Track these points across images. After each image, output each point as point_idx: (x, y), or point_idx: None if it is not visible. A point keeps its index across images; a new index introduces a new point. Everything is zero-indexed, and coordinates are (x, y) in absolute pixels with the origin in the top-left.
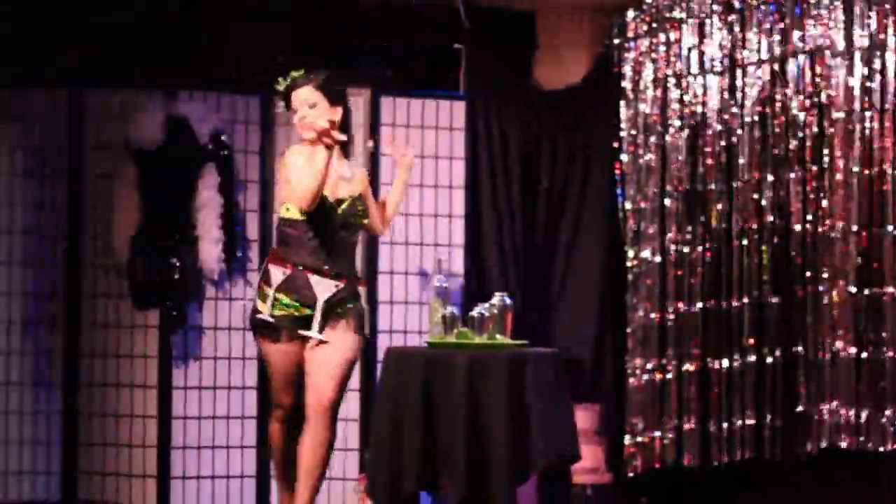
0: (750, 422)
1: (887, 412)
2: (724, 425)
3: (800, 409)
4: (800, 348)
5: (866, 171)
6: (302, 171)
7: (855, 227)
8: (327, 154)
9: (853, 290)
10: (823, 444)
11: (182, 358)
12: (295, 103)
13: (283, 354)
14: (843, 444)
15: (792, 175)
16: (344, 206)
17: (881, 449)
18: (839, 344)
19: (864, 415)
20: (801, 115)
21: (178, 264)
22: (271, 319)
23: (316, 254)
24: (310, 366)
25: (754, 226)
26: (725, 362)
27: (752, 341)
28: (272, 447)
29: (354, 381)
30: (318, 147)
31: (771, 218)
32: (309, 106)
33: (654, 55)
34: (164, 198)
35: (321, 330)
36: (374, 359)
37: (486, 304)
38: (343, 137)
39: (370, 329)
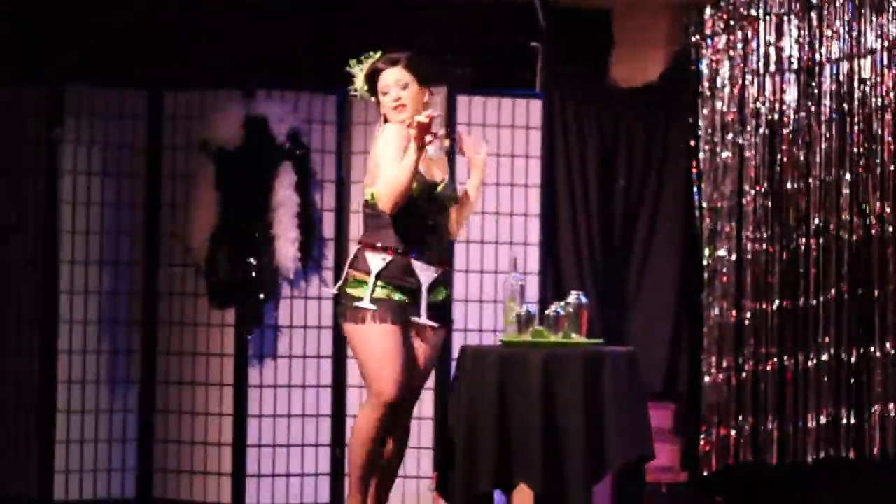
0: (825, 420)
1: None
2: (800, 424)
3: (875, 408)
4: (875, 348)
5: None
6: (394, 165)
7: None
8: (419, 153)
9: None
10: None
11: (258, 356)
12: (382, 86)
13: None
14: None
15: (869, 174)
16: (440, 187)
17: None
18: None
19: None
20: (879, 113)
21: (254, 263)
22: (373, 307)
23: (416, 238)
24: (415, 355)
25: (831, 224)
26: (801, 361)
27: (827, 340)
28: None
29: (429, 379)
30: (408, 133)
31: (848, 216)
32: (401, 87)
33: (731, 52)
34: (241, 197)
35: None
36: (448, 357)
37: (562, 303)
38: (443, 131)
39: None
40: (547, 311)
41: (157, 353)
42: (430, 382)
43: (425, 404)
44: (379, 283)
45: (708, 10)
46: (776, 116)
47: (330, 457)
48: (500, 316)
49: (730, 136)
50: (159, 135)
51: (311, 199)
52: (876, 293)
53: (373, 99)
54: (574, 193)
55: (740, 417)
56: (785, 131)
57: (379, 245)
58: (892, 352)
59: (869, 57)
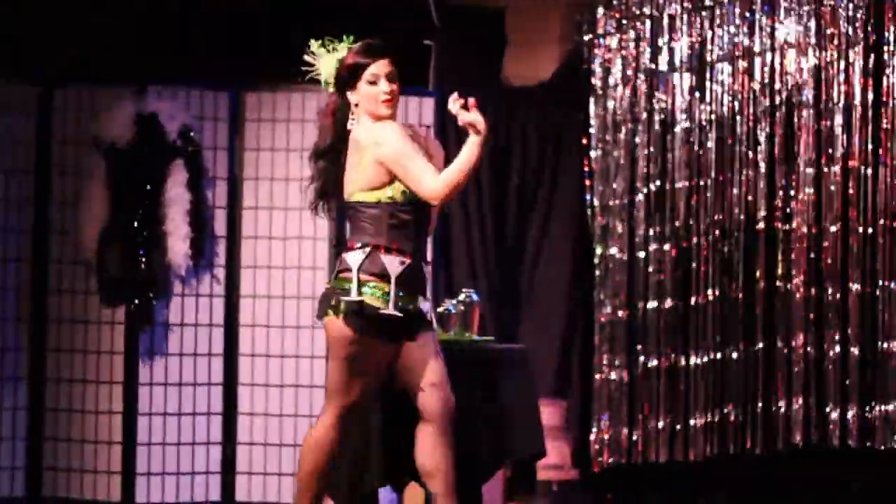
0: (715, 419)
1: (851, 410)
2: (690, 422)
3: (765, 406)
4: (761, 345)
5: (835, 169)
6: (418, 160)
7: (822, 225)
8: (480, 146)
9: (818, 287)
10: (789, 441)
11: (148, 354)
12: (369, 76)
13: (386, 353)
14: (810, 441)
15: (759, 172)
16: None
17: (847, 445)
18: (802, 341)
19: (828, 412)
20: (769, 113)
21: (146, 260)
22: (400, 315)
23: (421, 240)
24: (420, 366)
25: (722, 223)
26: (692, 359)
27: (718, 338)
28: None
29: (320, 376)
30: (393, 122)
31: (738, 215)
32: (391, 80)
33: (623, 52)
34: (132, 194)
35: None
36: None
37: (454, 301)
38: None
39: None
40: (439, 309)
41: (47, 350)
42: (321, 380)
43: (316, 402)
44: (399, 289)
45: (600, 10)
46: (667, 115)
47: (220, 455)
48: None
49: (622, 134)
50: (48, 131)
51: (203, 197)
52: (765, 291)
53: (331, 88)
54: (467, 191)
55: (631, 415)
56: (676, 130)
57: (395, 247)
58: (781, 350)
59: (759, 57)
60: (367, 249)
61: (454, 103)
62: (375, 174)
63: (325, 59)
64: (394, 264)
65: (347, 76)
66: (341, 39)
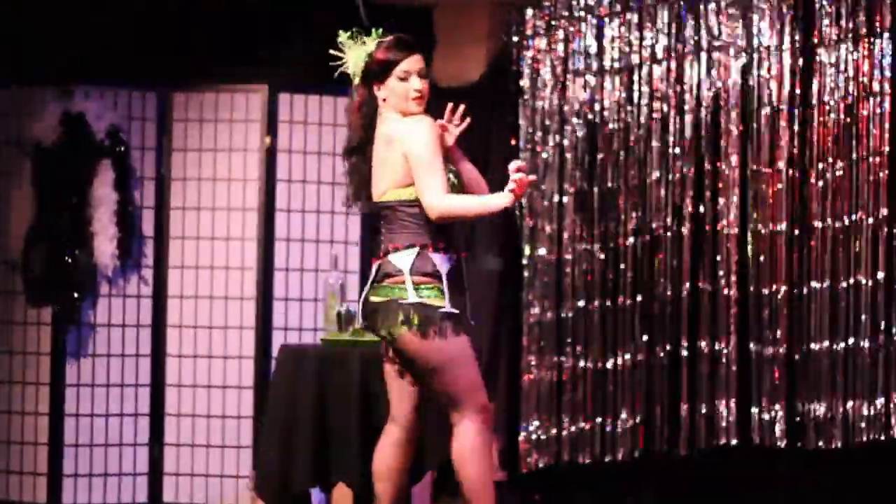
0: (642, 419)
1: (778, 411)
2: (618, 422)
3: (692, 406)
4: (688, 346)
5: (763, 171)
6: (435, 169)
7: (749, 227)
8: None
9: (745, 288)
10: (715, 441)
11: (75, 355)
12: (400, 72)
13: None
14: (737, 441)
15: (687, 174)
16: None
17: (774, 445)
18: (729, 342)
19: (755, 412)
20: (697, 114)
21: (72, 261)
22: (457, 310)
23: (456, 233)
24: None
25: (651, 224)
26: (620, 360)
27: (645, 339)
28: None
29: (248, 377)
30: (427, 118)
31: (665, 216)
32: (422, 77)
33: (552, 52)
34: (59, 194)
35: None
36: (268, 356)
37: None
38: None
39: (266, 326)
40: None
41: None
42: (250, 381)
43: (244, 403)
44: (449, 287)
45: (529, 10)
46: (596, 116)
47: (148, 456)
48: (320, 315)
49: (550, 136)
50: None
51: (130, 197)
52: (690, 292)
53: (357, 81)
54: None
55: (559, 416)
56: (605, 131)
57: (442, 245)
58: (707, 351)
59: (688, 58)
60: (416, 250)
61: (516, 169)
62: (408, 169)
63: (354, 52)
64: (444, 262)
65: (378, 71)
66: (276, 39)
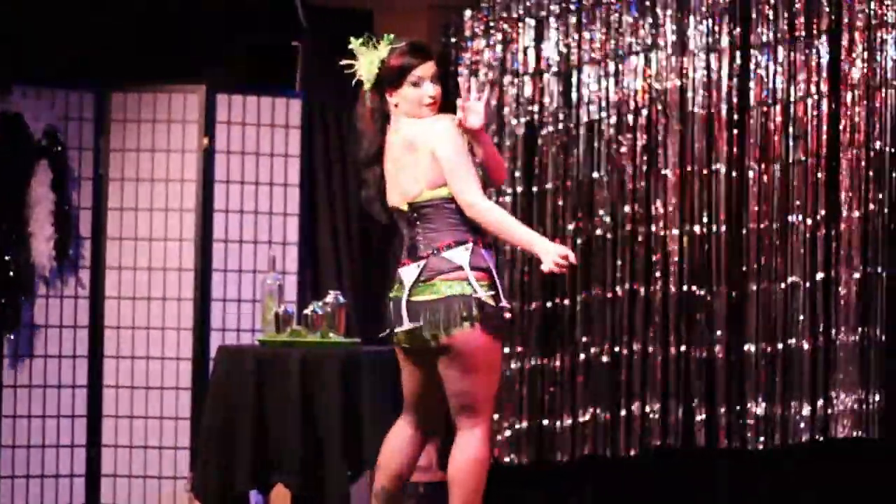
0: (581, 420)
1: (717, 411)
2: (558, 423)
3: (630, 407)
4: (627, 347)
5: (700, 172)
6: (470, 166)
7: (687, 227)
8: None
9: (684, 289)
10: (655, 442)
11: (12, 356)
12: (414, 78)
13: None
14: (676, 442)
15: (625, 175)
16: None
17: (713, 446)
18: (668, 344)
19: (695, 413)
20: (636, 116)
21: (9, 262)
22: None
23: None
24: None
25: (588, 225)
26: (559, 360)
27: (584, 340)
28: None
29: (186, 379)
30: (446, 118)
31: (604, 217)
32: (435, 82)
33: (490, 55)
34: None
35: None
36: (206, 357)
37: (320, 303)
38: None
39: (204, 327)
40: (305, 311)
41: None
42: (188, 382)
43: (182, 404)
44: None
45: (468, 13)
46: (535, 118)
47: (85, 458)
48: (258, 316)
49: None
50: None
51: (68, 197)
52: (629, 293)
53: (368, 87)
54: (333, 193)
55: (498, 417)
56: (544, 133)
57: (488, 241)
58: (643, 352)
59: (626, 61)
60: (470, 245)
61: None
62: (440, 171)
63: (366, 58)
64: (491, 259)
65: (393, 77)
66: (214, 40)
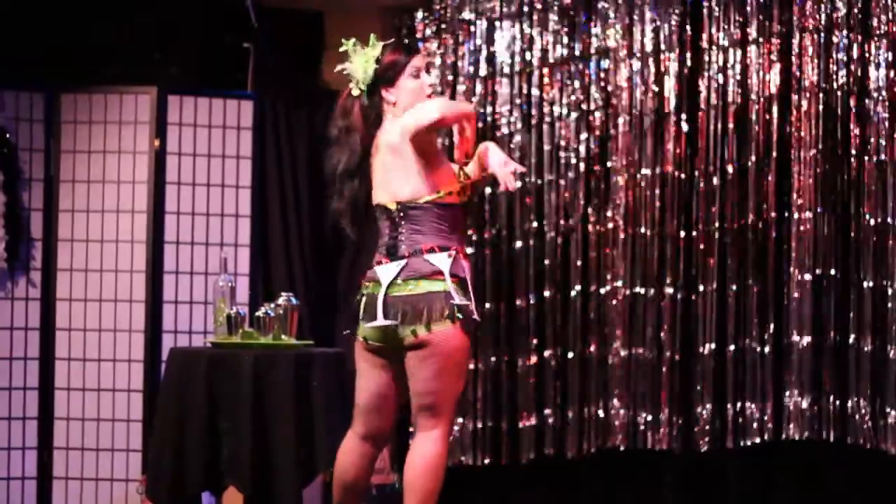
0: (533, 422)
1: (665, 413)
2: (513, 425)
3: (581, 409)
4: (579, 348)
5: (651, 173)
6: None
7: (640, 230)
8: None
9: (634, 290)
10: (606, 444)
11: None
12: (411, 70)
13: None
14: (626, 443)
15: (578, 176)
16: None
17: (662, 448)
18: (618, 345)
19: (644, 414)
20: (587, 117)
21: None
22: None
23: None
24: None
25: (541, 227)
26: (515, 362)
27: (536, 342)
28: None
29: (137, 381)
30: None
31: (556, 219)
32: (428, 72)
33: (442, 56)
34: None
35: None
36: (158, 359)
37: (272, 305)
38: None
39: (156, 329)
40: (257, 313)
41: None
42: (139, 384)
43: (134, 406)
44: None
45: (419, 14)
46: (488, 120)
47: (37, 460)
48: (210, 317)
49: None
50: None
51: (18, 199)
52: (581, 293)
53: (358, 90)
54: (285, 195)
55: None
56: (496, 134)
57: (466, 254)
58: (597, 352)
59: (578, 63)
60: (453, 253)
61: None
62: (430, 172)
63: (360, 59)
64: (469, 270)
65: (391, 73)
66: (165, 41)
